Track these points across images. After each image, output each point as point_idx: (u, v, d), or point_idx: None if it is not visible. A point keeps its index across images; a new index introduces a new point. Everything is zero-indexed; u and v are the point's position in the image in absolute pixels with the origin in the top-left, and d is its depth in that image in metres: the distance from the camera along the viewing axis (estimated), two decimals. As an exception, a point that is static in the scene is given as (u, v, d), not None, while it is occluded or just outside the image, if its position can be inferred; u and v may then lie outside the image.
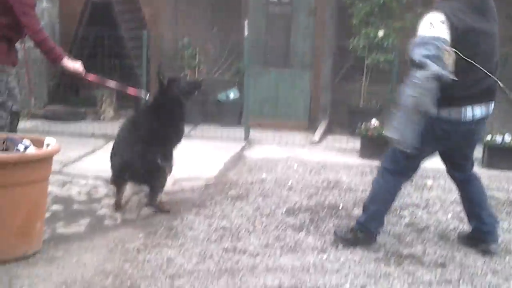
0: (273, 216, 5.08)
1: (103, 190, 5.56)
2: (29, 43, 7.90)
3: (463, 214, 5.17)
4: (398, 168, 4.34)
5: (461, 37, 4.00)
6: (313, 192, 5.70)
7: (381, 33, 7.83)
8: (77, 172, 5.98)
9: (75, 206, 5.17)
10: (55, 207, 5.07)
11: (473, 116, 4.13)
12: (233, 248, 4.41)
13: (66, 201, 5.23)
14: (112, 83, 5.90)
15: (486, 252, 4.42)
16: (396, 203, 5.42)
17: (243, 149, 7.19)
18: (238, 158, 6.79)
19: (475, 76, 4.09)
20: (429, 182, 6.02)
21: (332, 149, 7.35)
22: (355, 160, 6.87)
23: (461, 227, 4.93)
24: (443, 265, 4.25)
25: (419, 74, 3.86)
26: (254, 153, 7.03)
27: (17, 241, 3.97)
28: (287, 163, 6.59)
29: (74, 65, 5.63)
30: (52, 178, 4.75)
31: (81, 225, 4.81)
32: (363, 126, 7.09)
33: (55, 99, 8.78)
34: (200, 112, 8.22)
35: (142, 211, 5.16)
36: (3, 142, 3.85)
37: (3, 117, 5.49)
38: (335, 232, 4.61)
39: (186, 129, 5.40)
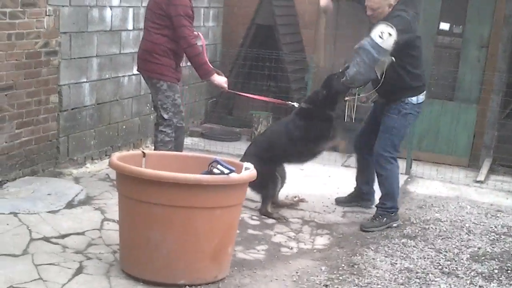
0: (458, 261, 4.75)
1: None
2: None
3: None
4: (396, 152, 5.40)
5: (409, 43, 5.11)
6: (494, 237, 5.32)
7: (557, 71, 7.32)
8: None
9: (250, 231, 5.10)
10: (232, 230, 5.00)
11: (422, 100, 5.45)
12: (424, 294, 4.14)
13: (241, 225, 5.14)
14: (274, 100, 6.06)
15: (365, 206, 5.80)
16: None
17: (406, 183, 6.88)
18: (404, 192, 6.47)
19: (421, 71, 5.36)
20: None
21: (501, 190, 6.88)
22: (531, 205, 6.39)
23: None
24: None
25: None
26: (419, 189, 6.69)
27: (210, 264, 3.90)
28: (458, 203, 6.21)
29: (220, 80, 5.60)
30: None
31: (260, 251, 4.71)
32: (538, 169, 6.61)
33: (210, 118, 8.86)
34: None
35: (315, 241, 5.02)
36: (209, 165, 3.79)
37: (169, 133, 5.54)
38: (362, 226, 5.31)
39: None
